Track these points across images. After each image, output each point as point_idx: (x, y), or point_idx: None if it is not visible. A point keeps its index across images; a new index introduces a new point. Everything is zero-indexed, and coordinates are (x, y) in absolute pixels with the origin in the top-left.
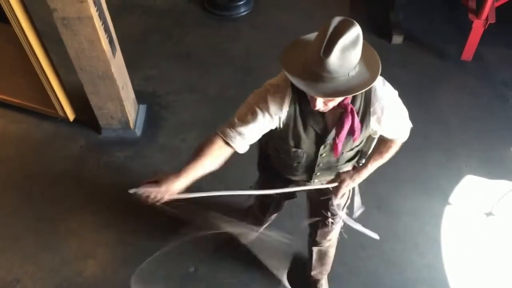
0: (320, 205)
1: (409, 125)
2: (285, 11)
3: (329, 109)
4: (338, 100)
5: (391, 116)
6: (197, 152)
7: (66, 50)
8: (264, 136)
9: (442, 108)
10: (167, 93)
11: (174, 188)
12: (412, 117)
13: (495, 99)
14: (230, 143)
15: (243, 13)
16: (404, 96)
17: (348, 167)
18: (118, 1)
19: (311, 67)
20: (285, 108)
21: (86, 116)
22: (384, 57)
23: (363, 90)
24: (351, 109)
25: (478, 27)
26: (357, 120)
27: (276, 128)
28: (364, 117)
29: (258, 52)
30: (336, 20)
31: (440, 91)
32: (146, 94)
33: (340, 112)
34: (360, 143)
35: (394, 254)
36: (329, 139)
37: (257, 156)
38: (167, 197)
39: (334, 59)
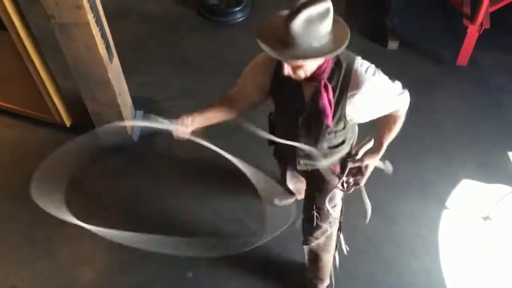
0: (310, 198)
1: (404, 95)
2: None
3: (300, 78)
4: (307, 68)
5: (377, 99)
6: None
7: (63, 56)
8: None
9: (438, 113)
10: (164, 99)
11: (186, 127)
12: (408, 122)
13: (490, 104)
14: (229, 91)
15: (239, 19)
16: None
17: (335, 157)
18: (114, 7)
19: (278, 34)
20: (268, 76)
21: (83, 122)
22: (379, 62)
23: (315, 58)
24: (324, 84)
25: (473, 32)
26: (329, 95)
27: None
28: (340, 98)
29: (253, 57)
30: None
31: (436, 96)
32: (142, 100)
33: (315, 86)
34: (342, 128)
35: (391, 258)
36: (305, 112)
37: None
38: (181, 134)
39: (297, 26)
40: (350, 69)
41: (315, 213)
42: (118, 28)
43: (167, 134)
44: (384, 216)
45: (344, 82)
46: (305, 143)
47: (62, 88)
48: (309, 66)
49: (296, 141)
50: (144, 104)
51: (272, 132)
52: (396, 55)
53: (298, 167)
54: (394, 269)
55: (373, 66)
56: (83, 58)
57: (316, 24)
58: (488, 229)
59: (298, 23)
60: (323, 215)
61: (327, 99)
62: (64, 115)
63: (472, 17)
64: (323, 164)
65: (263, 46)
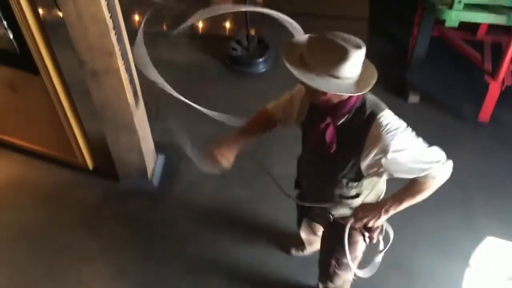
0: (330, 250)
1: (442, 165)
2: None
3: (327, 105)
4: (331, 99)
5: (398, 160)
6: (249, 121)
7: (91, 100)
8: None
9: (460, 169)
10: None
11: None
12: None
13: None
14: (268, 106)
15: (262, 70)
16: None
17: (345, 208)
18: None
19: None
20: (304, 106)
21: (106, 165)
22: (400, 116)
23: (328, 91)
24: (328, 123)
25: (494, 89)
26: (330, 131)
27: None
28: (355, 146)
29: None
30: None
31: (457, 152)
32: (164, 145)
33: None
34: (356, 179)
35: None
36: (307, 129)
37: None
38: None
39: (348, 66)
40: (372, 119)
41: (334, 263)
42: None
43: (186, 182)
44: (403, 271)
45: (362, 131)
46: (322, 181)
47: (88, 132)
48: (332, 97)
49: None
50: (167, 149)
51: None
52: (417, 110)
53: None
54: None
55: (401, 126)
56: (111, 103)
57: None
58: None
59: (350, 64)
60: (342, 265)
61: (329, 133)
62: (88, 158)
63: (493, 74)
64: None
65: (288, 66)
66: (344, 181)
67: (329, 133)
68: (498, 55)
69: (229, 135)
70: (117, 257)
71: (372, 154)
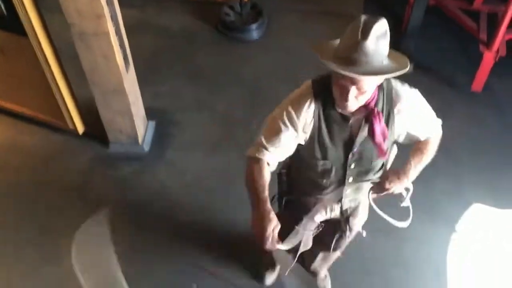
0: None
1: (438, 120)
2: (295, 37)
3: (351, 110)
4: (368, 95)
5: (418, 113)
6: (255, 183)
7: (80, 64)
8: (285, 163)
9: (451, 138)
10: (176, 111)
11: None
12: None
13: (504, 130)
14: (262, 157)
15: (255, 37)
16: None
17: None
18: (132, 20)
19: (345, 53)
20: (309, 118)
21: (96, 130)
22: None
23: (402, 72)
24: (377, 112)
25: (488, 59)
26: (382, 123)
27: (303, 142)
28: (388, 119)
29: (268, 74)
30: (365, 16)
31: (450, 121)
32: (155, 111)
33: (364, 117)
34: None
35: (399, 280)
36: (356, 146)
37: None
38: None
39: (370, 42)
40: (390, 88)
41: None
42: (137, 40)
43: (177, 148)
44: (393, 237)
45: (388, 102)
46: (355, 181)
47: (77, 96)
48: (369, 90)
49: (343, 183)
50: (157, 115)
51: (289, 188)
52: (411, 78)
53: (342, 207)
54: None
55: (405, 83)
56: (100, 67)
57: (382, 41)
58: (497, 254)
59: (371, 41)
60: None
61: (380, 127)
62: (77, 122)
63: (488, 44)
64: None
65: (332, 65)
66: (383, 165)
67: (378, 127)
68: (493, 25)
69: (262, 218)
70: (109, 221)
71: (398, 114)
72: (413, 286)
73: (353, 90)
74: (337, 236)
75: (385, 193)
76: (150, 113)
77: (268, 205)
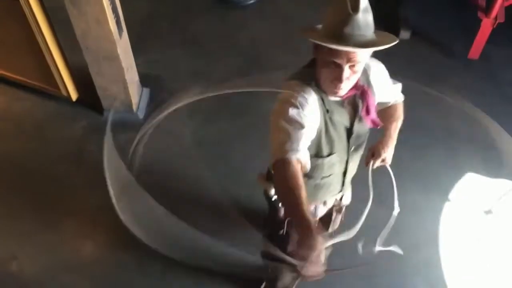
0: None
1: (398, 83)
2: (292, 1)
3: (347, 90)
4: (358, 73)
5: (384, 77)
6: (291, 193)
7: (72, 29)
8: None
9: (446, 106)
10: (171, 78)
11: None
12: (415, 115)
13: (500, 99)
14: (290, 156)
15: (251, 2)
16: (408, 91)
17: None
18: None
19: (337, 29)
20: (315, 107)
21: (89, 97)
22: (390, 52)
23: (394, 43)
24: (366, 87)
25: (486, 25)
26: (372, 100)
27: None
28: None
29: (264, 41)
30: None
31: (445, 89)
32: (150, 78)
33: (354, 96)
34: None
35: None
36: (356, 128)
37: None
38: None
39: (361, 15)
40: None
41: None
42: (130, 4)
43: (172, 113)
44: (386, 205)
45: (364, 75)
46: (354, 162)
47: (70, 62)
48: (360, 68)
49: (345, 169)
50: (152, 82)
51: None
52: (408, 45)
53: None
54: (393, 258)
55: None
56: (93, 32)
57: (369, 14)
58: (489, 223)
59: (361, 14)
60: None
61: (372, 102)
62: (71, 89)
63: (487, 10)
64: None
65: (325, 42)
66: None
67: (372, 108)
68: None
69: (312, 237)
70: (104, 189)
71: (376, 84)
72: (406, 255)
73: (346, 70)
74: (333, 218)
75: (380, 160)
76: (144, 80)
77: (312, 218)
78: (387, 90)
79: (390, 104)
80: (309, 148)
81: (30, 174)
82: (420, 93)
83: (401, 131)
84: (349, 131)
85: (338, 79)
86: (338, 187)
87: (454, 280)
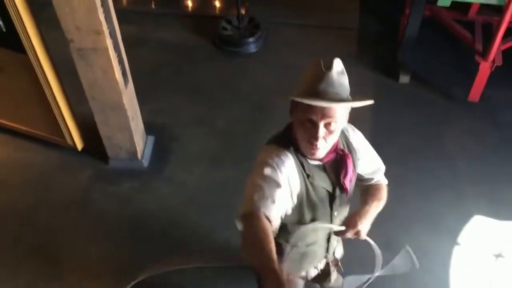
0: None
1: (383, 167)
2: (293, 50)
3: (325, 152)
4: (335, 135)
5: (367, 151)
6: (257, 242)
7: (79, 79)
8: None
9: (449, 149)
10: (175, 125)
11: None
12: (419, 157)
13: (502, 140)
14: (256, 210)
15: (253, 51)
16: (411, 135)
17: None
18: (131, 36)
19: (312, 86)
20: (292, 171)
21: (95, 146)
22: (391, 96)
23: (368, 102)
24: (347, 154)
25: (484, 69)
26: (351, 165)
27: (290, 209)
28: (354, 160)
29: (266, 88)
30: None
31: (447, 132)
32: (154, 126)
33: (335, 161)
34: None
35: None
36: (338, 191)
37: None
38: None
39: (335, 74)
40: (344, 131)
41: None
42: (135, 55)
43: (176, 163)
44: (395, 251)
45: (347, 144)
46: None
47: (76, 112)
48: (337, 129)
49: (329, 235)
50: (156, 130)
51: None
52: (407, 89)
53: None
54: None
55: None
56: (99, 83)
57: (343, 77)
58: (500, 267)
59: (335, 72)
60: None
61: (351, 167)
62: (76, 138)
63: (484, 54)
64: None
65: (302, 99)
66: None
67: (350, 173)
68: (488, 35)
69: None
70: (109, 238)
71: (359, 159)
72: None
73: (321, 128)
74: (331, 272)
75: (353, 232)
76: (149, 128)
77: (279, 267)
78: (369, 164)
79: (373, 182)
80: (291, 215)
81: (33, 225)
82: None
83: (405, 175)
84: (332, 196)
85: (314, 137)
86: (324, 252)
87: None
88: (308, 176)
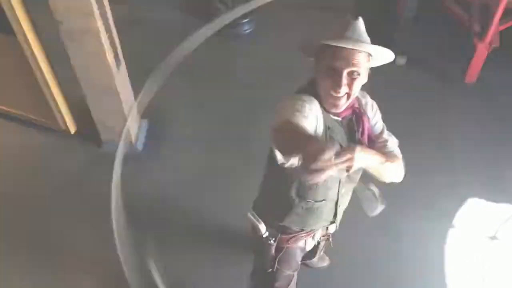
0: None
1: (396, 139)
2: (288, 31)
3: (345, 103)
4: (358, 84)
5: (380, 121)
6: (293, 131)
7: (70, 62)
8: None
9: (445, 131)
10: (170, 109)
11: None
12: (414, 140)
13: (498, 122)
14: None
15: (246, 31)
16: (407, 117)
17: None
18: (123, 16)
19: (338, 34)
20: (319, 114)
21: (88, 129)
22: (387, 79)
23: (391, 54)
24: (363, 109)
25: (482, 50)
26: (366, 122)
27: None
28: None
29: (260, 69)
30: None
31: (443, 114)
32: (148, 109)
33: (351, 119)
34: None
35: (396, 276)
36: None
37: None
38: None
39: (361, 24)
40: (360, 96)
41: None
42: (127, 36)
43: (171, 147)
44: (389, 233)
45: (363, 105)
46: (346, 196)
47: (68, 95)
48: (359, 78)
49: (338, 198)
50: (150, 114)
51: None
52: (404, 71)
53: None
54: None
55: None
56: (91, 65)
57: (366, 34)
58: (494, 249)
59: (361, 22)
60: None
61: (367, 126)
62: (69, 122)
63: (481, 35)
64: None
65: (330, 40)
66: None
67: (366, 131)
68: (486, 16)
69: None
70: (106, 221)
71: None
72: (411, 282)
73: (345, 75)
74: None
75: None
76: (143, 112)
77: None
78: (380, 129)
79: (387, 150)
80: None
81: (27, 209)
82: (416, 117)
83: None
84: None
85: (338, 84)
86: (330, 217)
87: None
88: (328, 128)
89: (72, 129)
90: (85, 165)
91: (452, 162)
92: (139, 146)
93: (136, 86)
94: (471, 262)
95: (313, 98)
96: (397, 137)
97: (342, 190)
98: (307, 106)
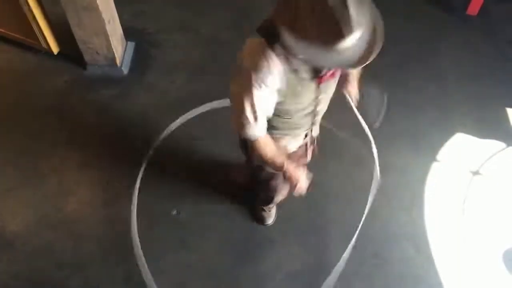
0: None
1: None
2: None
3: None
4: None
5: None
6: (267, 157)
7: None
8: None
9: (441, 64)
10: (158, 31)
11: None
12: (409, 72)
13: (497, 57)
14: (258, 134)
15: None
16: (404, 48)
17: None
18: None
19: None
20: (278, 74)
21: (71, 50)
22: (388, 6)
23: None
24: None
25: None
26: None
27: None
28: None
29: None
30: None
31: (442, 46)
32: (135, 31)
33: None
34: None
35: (378, 208)
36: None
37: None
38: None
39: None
40: None
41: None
42: None
43: (157, 71)
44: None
45: None
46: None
47: (50, 14)
48: None
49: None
50: (137, 35)
51: None
52: (405, 1)
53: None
54: (380, 219)
55: None
56: None
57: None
58: (476, 184)
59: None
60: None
61: None
62: (51, 42)
63: None
64: None
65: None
66: None
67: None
68: None
69: (293, 171)
70: (87, 145)
71: None
72: (393, 214)
73: None
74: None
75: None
76: (129, 33)
77: (288, 161)
78: None
79: None
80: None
81: (11, 129)
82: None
83: (393, 91)
84: (317, 72)
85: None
86: (308, 125)
87: (437, 240)
88: (295, 71)
89: (55, 49)
90: (69, 86)
91: (445, 96)
92: (125, 69)
93: (121, 6)
94: (452, 195)
95: (273, 58)
96: (394, 65)
97: (319, 106)
98: (263, 87)
